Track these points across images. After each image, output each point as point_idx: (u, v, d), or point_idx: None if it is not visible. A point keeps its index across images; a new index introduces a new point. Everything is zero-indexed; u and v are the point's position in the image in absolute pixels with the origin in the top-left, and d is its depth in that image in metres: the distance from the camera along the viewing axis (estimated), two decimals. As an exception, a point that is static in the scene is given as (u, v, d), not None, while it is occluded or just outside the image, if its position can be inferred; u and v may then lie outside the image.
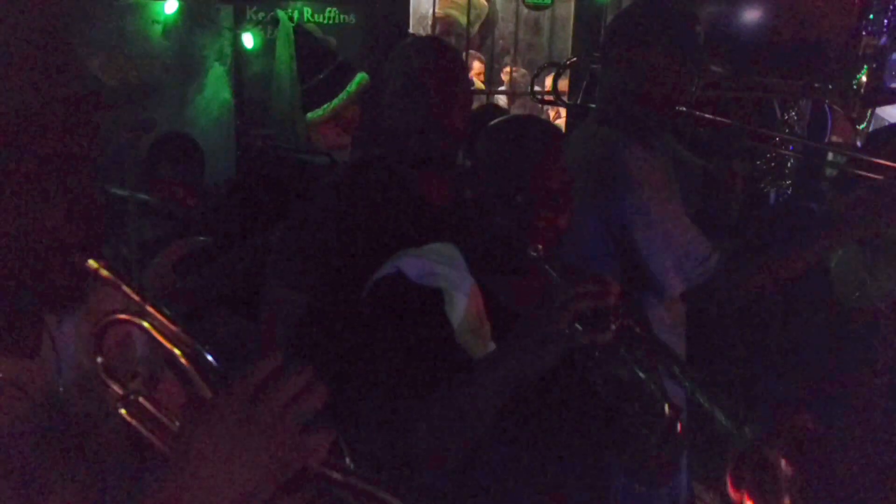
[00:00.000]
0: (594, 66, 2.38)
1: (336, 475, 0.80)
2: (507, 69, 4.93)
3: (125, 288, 0.84)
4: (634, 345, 1.24)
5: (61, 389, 0.92)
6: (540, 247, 1.36)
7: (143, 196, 2.43)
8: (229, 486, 0.74)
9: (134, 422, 0.83)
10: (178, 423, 0.82)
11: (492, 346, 1.41)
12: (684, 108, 1.97)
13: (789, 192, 2.86)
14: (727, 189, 2.15)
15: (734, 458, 1.04)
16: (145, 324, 0.83)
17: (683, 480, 1.98)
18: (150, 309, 0.83)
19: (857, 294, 2.41)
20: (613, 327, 1.20)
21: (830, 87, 2.10)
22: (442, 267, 1.44)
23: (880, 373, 2.27)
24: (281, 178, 2.66)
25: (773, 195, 2.84)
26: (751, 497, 1.01)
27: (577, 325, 1.20)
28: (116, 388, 0.84)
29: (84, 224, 0.85)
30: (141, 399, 0.84)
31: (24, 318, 0.92)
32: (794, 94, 2.47)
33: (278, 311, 1.89)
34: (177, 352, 0.82)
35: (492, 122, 1.53)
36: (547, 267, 1.36)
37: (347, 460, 0.82)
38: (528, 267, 1.39)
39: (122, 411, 0.83)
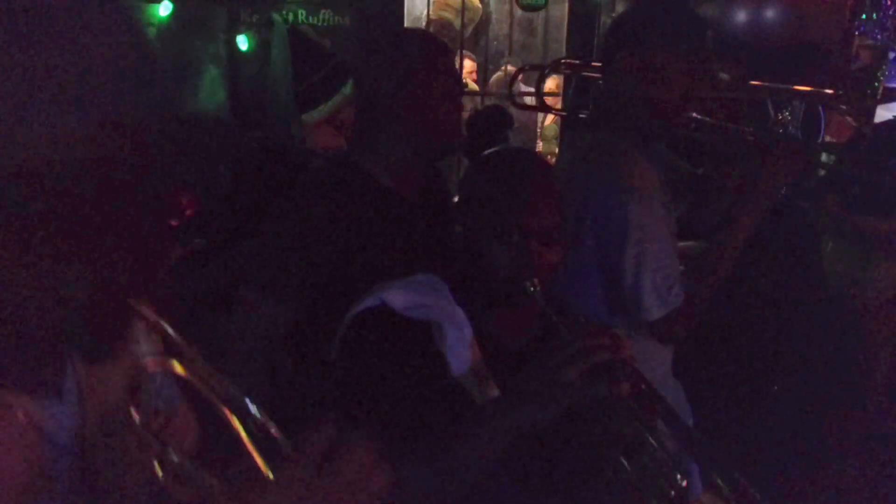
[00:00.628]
0: (583, 71, 2.34)
1: None
2: (503, 69, 4.93)
3: (169, 330, 0.78)
4: (641, 402, 1.22)
5: (86, 433, 0.87)
6: (536, 281, 1.34)
7: None
8: None
9: (170, 484, 0.78)
10: (215, 482, 0.78)
11: (492, 385, 1.36)
12: (696, 115, 1.92)
13: (783, 191, 2.87)
14: (717, 195, 2.13)
15: None
16: (181, 370, 0.77)
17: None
18: (188, 351, 0.77)
19: (851, 290, 2.42)
20: (625, 385, 1.17)
21: (846, 95, 2.08)
22: (429, 298, 1.38)
23: (873, 366, 2.28)
24: (276, 180, 2.65)
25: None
26: None
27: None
28: (152, 441, 0.80)
29: (139, 265, 0.78)
30: (173, 455, 0.79)
31: (48, 357, 0.85)
32: (807, 101, 2.47)
33: (248, 320, 1.83)
34: (223, 408, 0.76)
35: (481, 156, 1.50)
36: (542, 303, 1.34)
37: None
38: (521, 301, 1.36)
39: (158, 471, 0.79)
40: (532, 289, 1.33)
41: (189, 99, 3.66)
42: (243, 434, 0.76)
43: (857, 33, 2.90)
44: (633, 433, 1.22)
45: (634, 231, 1.74)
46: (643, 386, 1.22)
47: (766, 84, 2.11)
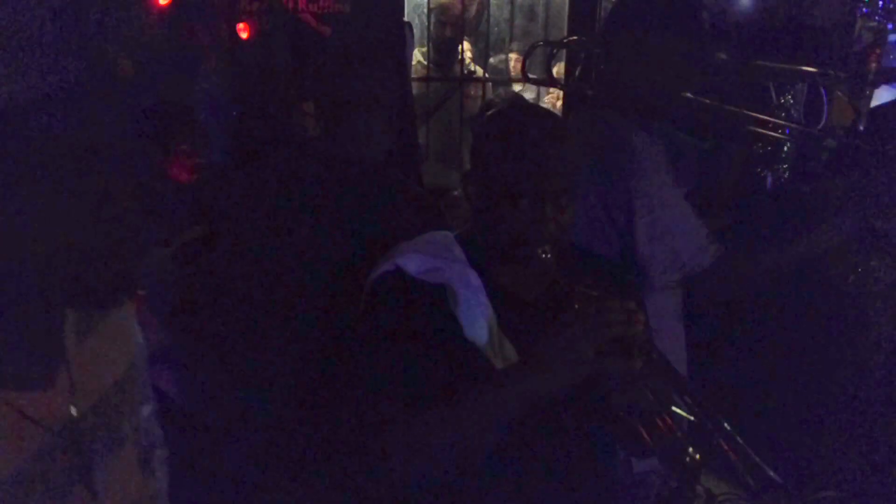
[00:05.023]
0: (592, 49, 2.37)
1: None
2: (507, 55, 4.90)
3: None
4: (654, 375, 1.24)
5: (75, 415, 0.90)
6: (547, 248, 1.36)
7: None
8: None
9: None
10: None
11: (505, 341, 1.39)
12: (690, 95, 1.96)
13: (786, 175, 2.86)
14: (723, 170, 2.15)
15: None
16: None
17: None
18: None
19: (851, 278, 2.41)
20: (639, 360, 1.20)
21: (841, 75, 2.09)
22: (442, 261, 1.42)
23: (874, 356, 2.28)
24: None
25: (769, 179, 2.84)
26: None
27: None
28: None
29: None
30: None
31: (44, 350, 0.89)
32: (802, 81, 2.47)
33: None
34: None
35: (490, 115, 1.50)
36: (553, 268, 1.36)
37: None
38: (531, 263, 1.38)
39: None
40: (543, 255, 1.36)
41: (188, 86, 3.66)
42: None
43: (859, 14, 2.89)
44: (649, 406, 1.25)
45: (642, 204, 1.78)
46: (655, 356, 1.24)
47: (762, 64, 2.12)
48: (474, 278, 1.41)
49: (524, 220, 1.37)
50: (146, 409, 1.03)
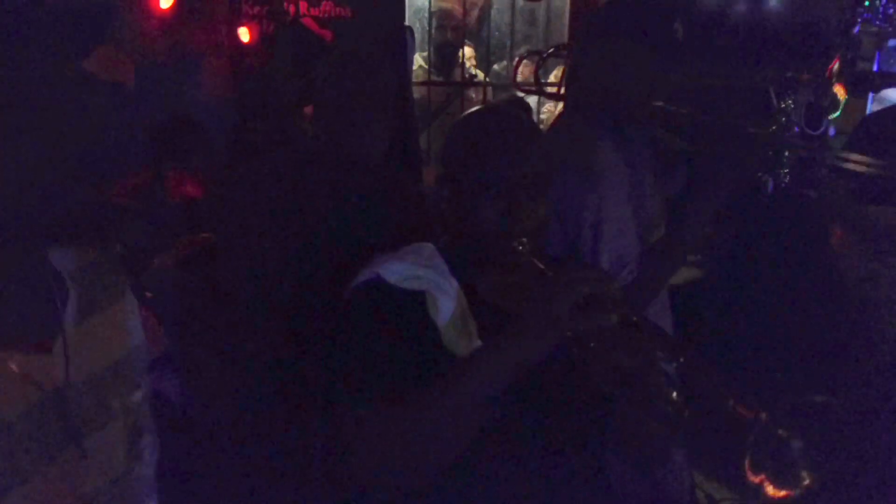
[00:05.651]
0: (573, 57, 2.39)
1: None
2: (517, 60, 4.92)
3: None
4: (633, 331, 1.23)
5: (68, 385, 0.97)
6: (525, 240, 1.36)
7: (123, 202, 2.42)
8: None
9: None
10: None
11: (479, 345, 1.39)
12: (661, 104, 1.98)
13: (787, 180, 2.86)
14: (714, 175, 2.16)
15: (751, 444, 1.04)
16: None
17: (682, 466, 1.99)
18: None
19: (862, 282, 2.42)
20: (614, 314, 1.18)
21: (803, 76, 2.11)
22: (422, 269, 1.42)
23: (881, 359, 2.29)
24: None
25: (770, 183, 2.85)
26: (770, 481, 1.02)
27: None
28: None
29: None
30: None
31: (44, 316, 0.96)
32: (766, 84, 2.48)
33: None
34: None
35: (462, 116, 1.53)
36: (533, 259, 1.36)
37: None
38: (512, 261, 1.39)
39: None
40: (521, 248, 1.36)
41: (191, 91, 3.66)
42: None
43: (859, 20, 2.90)
44: (631, 363, 1.23)
45: (591, 213, 1.82)
46: (635, 318, 1.23)
47: (724, 69, 2.14)
48: (455, 287, 1.42)
49: (498, 214, 1.38)
50: (138, 395, 1.08)
